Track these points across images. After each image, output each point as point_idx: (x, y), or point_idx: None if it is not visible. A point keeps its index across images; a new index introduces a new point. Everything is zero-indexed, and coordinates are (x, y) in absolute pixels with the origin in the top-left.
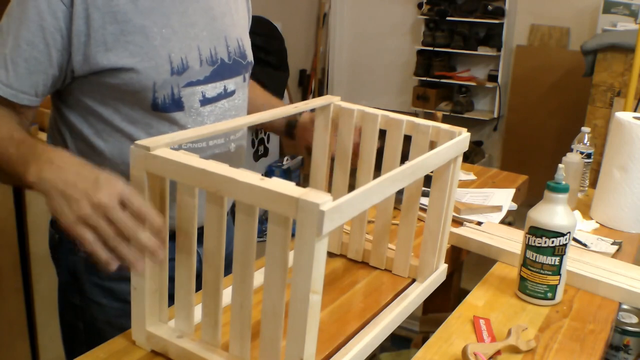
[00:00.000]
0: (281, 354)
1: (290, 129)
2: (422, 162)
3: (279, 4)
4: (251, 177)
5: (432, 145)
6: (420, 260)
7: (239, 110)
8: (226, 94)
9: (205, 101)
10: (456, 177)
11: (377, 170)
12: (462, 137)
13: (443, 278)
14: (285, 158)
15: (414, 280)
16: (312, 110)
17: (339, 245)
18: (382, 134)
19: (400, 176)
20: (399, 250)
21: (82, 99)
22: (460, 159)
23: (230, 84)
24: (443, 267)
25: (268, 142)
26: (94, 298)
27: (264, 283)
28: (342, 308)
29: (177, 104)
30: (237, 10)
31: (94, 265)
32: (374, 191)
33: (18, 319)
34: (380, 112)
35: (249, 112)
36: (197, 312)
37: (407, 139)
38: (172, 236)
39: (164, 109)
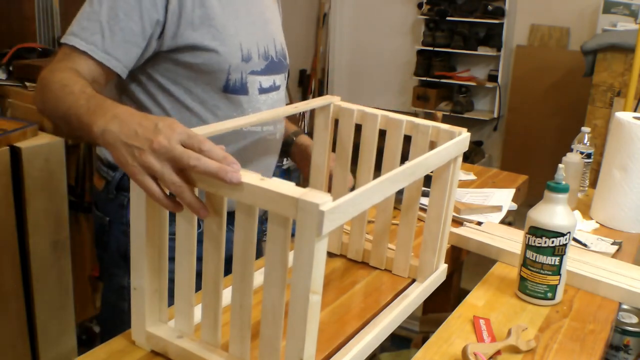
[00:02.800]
0: (281, 354)
1: (287, 147)
2: (422, 162)
3: (280, 4)
4: (251, 177)
5: (432, 145)
6: (420, 260)
7: (282, 103)
8: (275, 87)
9: (262, 90)
10: (456, 177)
11: (377, 171)
12: (462, 137)
13: (443, 278)
14: (285, 158)
15: (413, 281)
16: (312, 111)
17: (339, 245)
18: (381, 133)
19: (400, 176)
20: (399, 251)
21: (155, 77)
22: (460, 159)
23: (278, 79)
24: (443, 267)
25: None
26: None
27: (264, 283)
28: (342, 308)
29: (244, 89)
30: (277, 18)
31: None
32: (374, 191)
33: (18, 319)
34: (380, 112)
35: None
36: (197, 312)
37: (407, 139)
38: (173, 237)
39: (233, 91)
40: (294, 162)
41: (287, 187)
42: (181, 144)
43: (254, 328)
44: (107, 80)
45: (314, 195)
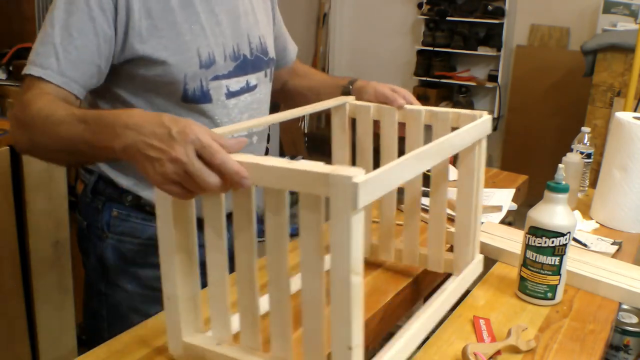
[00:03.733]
0: (325, 345)
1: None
2: (447, 141)
3: (279, 4)
4: (278, 161)
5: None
6: (455, 252)
7: (261, 103)
8: (248, 88)
9: (230, 94)
10: (483, 161)
11: None
12: (484, 119)
13: (480, 269)
14: (286, 158)
15: (414, 279)
16: (328, 110)
17: (368, 248)
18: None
19: (427, 154)
20: (431, 245)
21: (115, 90)
22: (485, 142)
23: (252, 78)
24: (479, 258)
25: (268, 141)
26: (119, 284)
27: (301, 272)
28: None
29: (206, 96)
30: (259, 9)
31: (122, 250)
32: (404, 167)
33: (18, 319)
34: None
35: (308, 88)
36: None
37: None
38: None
39: (193, 100)
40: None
41: (316, 166)
42: (197, 154)
43: (293, 324)
44: (75, 100)
45: (345, 169)
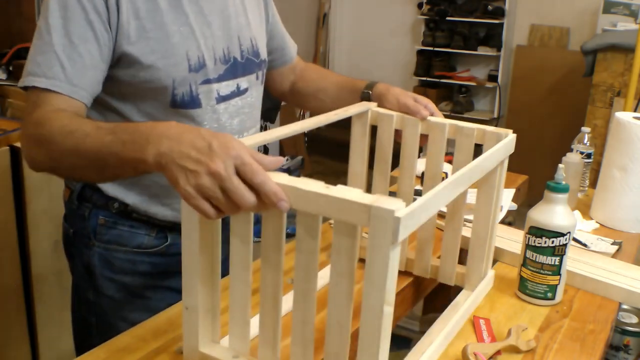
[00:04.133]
0: None
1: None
2: (478, 165)
3: (279, 4)
4: (315, 186)
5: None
6: (468, 267)
7: (252, 107)
8: (239, 92)
9: (220, 99)
10: (503, 179)
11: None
12: (509, 139)
13: (491, 285)
14: (286, 158)
15: (414, 280)
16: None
17: None
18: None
19: (461, 180)
20: (444, 258)
21: (101, 96)
22: (507, 161)
23: (243, 82)
24: (491, 274)
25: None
26: (107, 292)
27: (329, 297)
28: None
29: (195, 101)
30: (251, 9)
31: (109, 259)
32: (442, 195)
33: (18, 319)
34: None
35: (323, 90)
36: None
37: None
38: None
39: (182, 106)
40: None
41: (355, 194)
42: (237, 170)
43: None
44: (86, 110)
45: (387, 201)
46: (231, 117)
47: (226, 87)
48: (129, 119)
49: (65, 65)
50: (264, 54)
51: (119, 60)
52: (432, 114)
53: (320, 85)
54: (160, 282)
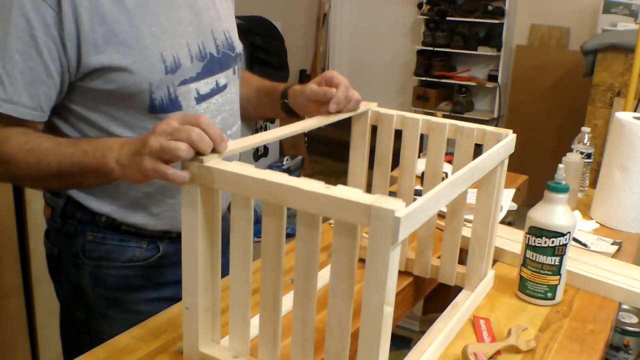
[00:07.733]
0: None
1: (285, 107)
2: (479, 165)
3: (279, 4)
4: (315, 186)
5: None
6: (468, 267)
7: (232, 104)
8: (218, 89)
9: (200, 98)
10: (503, 179)
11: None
12: (509, 139)
13: (491, 285)
14: (286, 158)
15: (414, 279)
16: (347, 117)
17: None
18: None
19: (461, 180)
20: (444, 258)
21: (71, 107)
22: (507, 161)
23: (222, 78)
24: (491, 274)
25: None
26: (100, 310)
27: (329, 297)
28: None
29: (175, 104)
30: (220, 2)
31: (100, 276)
32: (441, 195)
33: (18, 319)
34: (420, 117)
35: (245, 97)
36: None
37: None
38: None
39: (162, 110)
40: (300, 114)
41: (355, 194)
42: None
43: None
44: (38, 128)
45: (387, 201)
46: (213, 116)
47: (205, 85)
48: (105, 129)
49: (5, 83)
50: (239, 47)
51: (89, 72)
52: (335, 85)
53: (242, 92)
54: (154, 294)
